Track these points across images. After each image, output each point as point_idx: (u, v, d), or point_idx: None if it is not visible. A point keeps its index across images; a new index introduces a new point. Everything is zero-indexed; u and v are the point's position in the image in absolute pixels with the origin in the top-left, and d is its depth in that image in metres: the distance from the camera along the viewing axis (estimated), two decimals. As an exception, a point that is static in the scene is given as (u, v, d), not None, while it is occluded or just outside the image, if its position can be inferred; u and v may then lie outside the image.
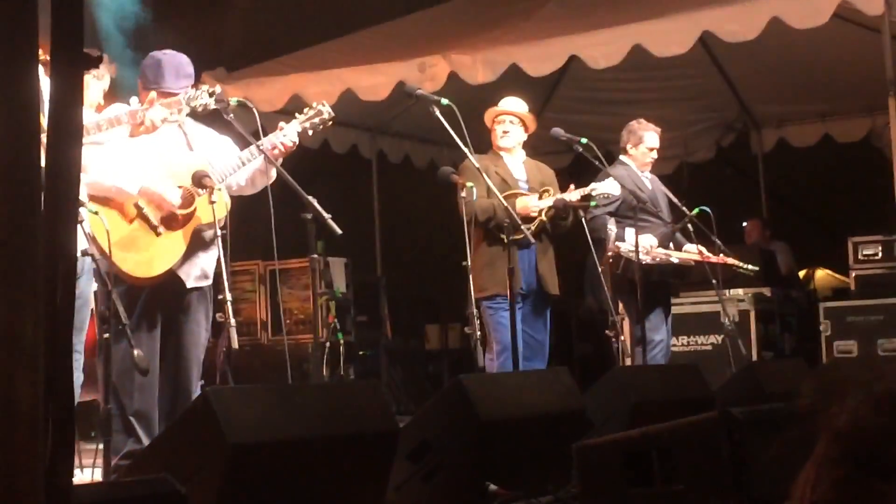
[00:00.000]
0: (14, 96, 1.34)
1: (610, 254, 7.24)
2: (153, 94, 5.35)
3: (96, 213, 5.12)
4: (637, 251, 7.19)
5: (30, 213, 1.33)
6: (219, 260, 5.42)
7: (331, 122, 5.88)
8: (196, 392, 5.45)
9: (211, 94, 5.38)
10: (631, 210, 7.45)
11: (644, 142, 7.87)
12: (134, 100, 5.34)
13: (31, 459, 1.31)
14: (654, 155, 7.93)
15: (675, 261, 7.57)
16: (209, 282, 5.58)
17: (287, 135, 5.64)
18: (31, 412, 1.28)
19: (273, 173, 5.75)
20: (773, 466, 4.04)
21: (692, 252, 7.72)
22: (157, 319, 5.40)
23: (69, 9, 1.42)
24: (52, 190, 1.40)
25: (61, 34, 1.41)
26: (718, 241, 7.74)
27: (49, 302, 1.35)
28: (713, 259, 7.73)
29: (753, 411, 4.49)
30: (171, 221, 5.40)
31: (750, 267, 8.01)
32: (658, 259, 7.45)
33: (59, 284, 1.37)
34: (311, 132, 5.81)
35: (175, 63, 5.53)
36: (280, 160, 5.67)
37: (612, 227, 7.39)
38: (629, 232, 7.36)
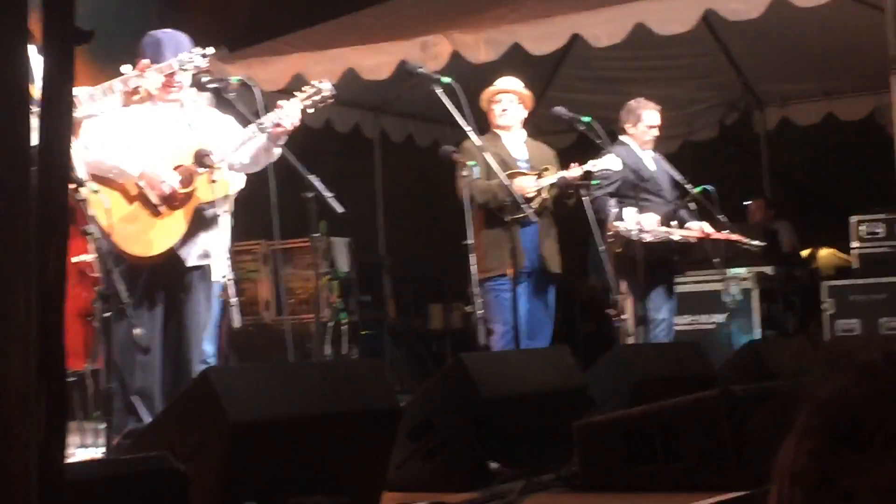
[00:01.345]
0: (2, 70, 1.34)
1: (610, 233, 7.23)
2: (146, 60, 5.32)
3: (97, 192, 5.12)
4: (635, 230, 7.19)
5: (19, 187, 1.33)
6: None
7: (331, 100, 5.85)
8: (197, 371, 5.46)
9: (203, 56, 5.36)
10: (632, 189, 7.44)
11: (643, 120, 7.85)
12: (126, 67, 5.31)
13: (23, 436, 1.31)
14: (655, 132, 7.90)
15: (677, 238, 7.54)
16: (210, 261, 5.58)
17: (288, 113, 5.61)
18: (23, 387, 1.28)
19: (277, 151, 5.74)
20: (773, 443, 4.04)
21: (694, 230, 7.71)
22: (159, 298, 5.40)
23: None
24: (43, 164, 1.40)
25: (53, 8, 1.41)
26: (725, 218, 7.72)
27: (41, 277, 1.35)
28: (716, 235, 7.71)
29: (754, 389, 4.50)
30: (171, 200, 5.40)
31: (756, 243, 8.00)
32: (658, 237, 7.43)
33: (51, 259, 1.37)
34: (311, 110, 5.79)
35: (175, 41, 5.51)
36: (283, 139, 5.67)
37: (612, 207, 7.38)
38: (628, 211, 7.34)
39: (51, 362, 1.33)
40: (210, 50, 5.44)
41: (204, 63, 5.38)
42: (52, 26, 1.39)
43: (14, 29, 1.33)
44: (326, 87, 5.78)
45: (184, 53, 5.36)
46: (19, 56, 1.34)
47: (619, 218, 7.36)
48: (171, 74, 5.44)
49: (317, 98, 5.74)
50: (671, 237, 7.50)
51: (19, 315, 1.31)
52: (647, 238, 7.31)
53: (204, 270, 5.56)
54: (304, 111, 5.71)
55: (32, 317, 1.33)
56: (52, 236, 1.38)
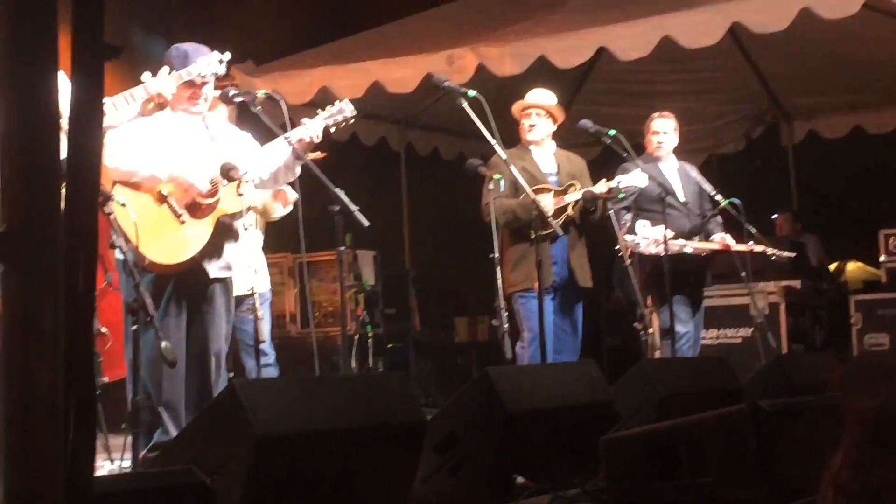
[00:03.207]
0: (33, 87, 1.34)
1: (617, 247, 7.18)
2: (165, 67, 5.36)
3: (124, 205, 5.14)
4: (643, 243, 7.16)
5: (49, 202, 1.33)
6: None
7: (353, 120, 5.88)
8: (220, 384, 5.47)
9: (221, 62, 5.39)
10: (650, 202, 7.42)
11: (649, 129, 7.85)
12: (146, 75, 5.34)
13: (50, 447, 1.31)
14: (661, 139, 7.83)
15: (689, 251, 7.49)
16: (232, 273, 5.59)
17: (310, 130, 5.65)
18: (50, 399, 1.29)
19: (297, 170, 5.77)
20: (801, 458, 4.02)
21: (714, 242, 7.65)
22: (182, 310, 5.41)
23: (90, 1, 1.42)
24: (73, 179, 1.40)
25: (82, 24, 1.41)
26: (753, 229, 7.67)
27: (70, 291, 1.35)
28: (738, 247, 7.65)
29: (782, 403, 4.47)
30: (194, 210, 5.41)
31: (786, 254, 7.93)
32: (670, 250, 7.33)
33: (81, 273, 1.38)
34: (333, 129, 5.81)
35: (201, 53, 5.54)
36: (306, 155, 5.69)
37: (626, 219, 7.36)
38: (640, 224, 7.32)
39: (79, 376, 1.33)
40: (227, 55, 5.46)
41: (222, 69, 5.40)
42: (81, 42, 1.40)
43: (45, 50, 1.34)
44: (348, 108, 5.81)
45: (202, 58, 5.39)
46: (49, 71, 1.35)
47: (631, 231, 7.34)
48: (198, 86, 5.46)
49: (338, 118, 5.77)
50: (684, 250, 7.43)
51: (48, 329, 1.31)
52: (655, 251, 7.26)
53: (226, 283, 5.57)
54: (326, 129, 5.74)
55: (61, 331, 1.34)
56: (82, 251, 1.39)
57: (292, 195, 6.66)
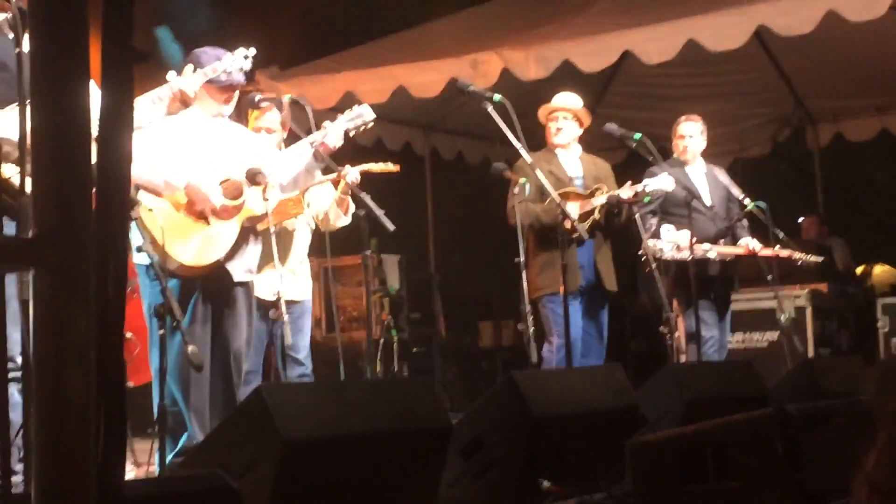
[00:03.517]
0: (65, 95, 1.35)
1: (641, 251, 7.17)
2: (190, 66, 5.36)
3: (151, 209, 5.16)
4: (666, 248, 7.15)
5: (80, 208, 1.34)
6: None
7: (371, 124, 5.90)
8: (242, 388, 5.48)
9: (245, 58, 5.39)
10: (675, 206, 7.41)
11: (676, 133, 7.83)
12: (172, 74, 5.35)
13: (83, 455, 1.31)
14: (687, 143, 7.80)
15: (713, 256, 7.47)
16: (253, 277, 5.60)
17: (330, 134, 5.67)
18: (82, 407, 1.29)
19: (317, 174, 5.79)
20: (827, 463, 4.00)
21: (739, 247, 7.62)
22: (209, 314, 5.42)
23: (120, 5, 1.43)
24: (103, 185, 1.41)
25: (112, 29, 1.42)
26: (781, 233, 7.63)
27: (100, 298, 1.36)
28: (763, 252, 7.61)
29: (809, 408, 4.46)
30: (219, 212, 5.42)
31: (812, 258, 7.89)
32: (692, 255, 7.31)
33: (110, 279, 1.38)
34: (352, 133, 5.83)
35: (220, 54, 5.54)
36: (326, 160, 5.71)
37: (651, 224, 7.35)
38: (665, 228, 7.31)
39: (110, 383, 1.33)
40: (252, 50, 5.43)
41: (247, 64, 5.39)
42: (111, 46, 1.41)
43: (76, 58, 1.35)
44: (367, 112, 5.84)
45: (226, 56, 5.38)
46: (80, 82, 1.35)
47: (656, 235, 7.32)
48: (231, 88, 5.48)
49: (358, 122, 5.79)
50: (707, 255, 7.41)
51: (78, 336, 1.32)
52: (679, 255, 7.26)
53: (247, 286, 5.58)
54: (346, 134, 5.76)
55: (91, 337, 1.34)
56: (112, 256, 1.40)
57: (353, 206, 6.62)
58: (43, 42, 1.38)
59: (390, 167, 6.43)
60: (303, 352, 6.36)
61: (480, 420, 4.72)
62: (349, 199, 6.39)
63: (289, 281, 6.13)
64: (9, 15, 3.77)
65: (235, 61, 5.38)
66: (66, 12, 1.38)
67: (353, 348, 8.76)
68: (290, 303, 5.94)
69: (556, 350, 7.07)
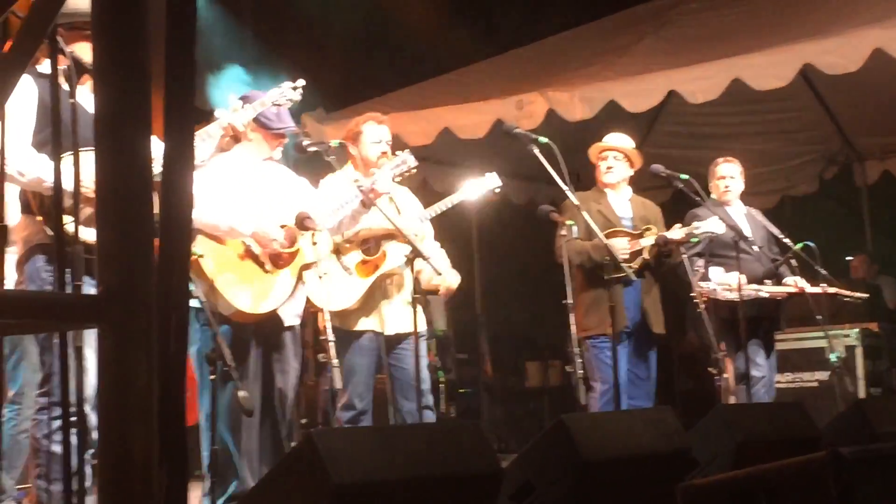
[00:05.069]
0: (129, 150, 1.37)
1: (693, 294, 7.13)
2: (237, 99, 5.37)
3: (202, 256, 5.19)
4: (718, 290, 7.12)
5: (143, 263, 1.36)
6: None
7: (415, 170, 6.05)
8: (288, 432, 5.50)
9: (294, 89, 5.39)
10: (723, 247, 7.39)
11: (715, 175, 7.82)
12: (220, 110, 5.34)
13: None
14: (728, 183, 7.80)
15: (765, 295, 7.43)
16: (300, 321, 5.63)
17: (378, 181, 5.77)
18: (145, 466, 1.30)
19: (361, 219, 5.85)
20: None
21: (788, 286, 7.58)
22: (259, 359, 5.45)
23: (183, 60, 1.45)
24: (164, 239, 1.43)
25: (174, 89, 1.44)
26: (824, 272, 7.58)
27: (162, 354, 1.37)
28: (812, 290, 7.56)
29: (863, 451, 4.40)
30: (276, 259, 5.46)
31: (858, 294, 7.84)
32: (746, 296, 7.29)
33: (172, 335, 1.39)
34: (398, 179, 5.96)
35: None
36: (373, 206, 5.78)
37: (698, 265, 7.32)
38: (714, 270, 7.28)
39: (172, 439, 1.34)
40: (301, 82, 5.41)
41: (296, 95, 5.39)
42: (173, 107, 1.43)
43: (139, 113, 1.37)
44: (410, 159, 5.99)
45: (274, 89, 5.39)
46: (143, 137, 1.37)
47: (705, 277, 7.30)
48: (280, 136, 5.53)
49: (402, 168, 5.95)
50: (760, 294, 7.38)
51: (141, 393, 1.33)
52: (731, 296, 7.23)
53: (295, 330, 5.60)
54: (392, 180, 5.88)
55: (154, 391, 1.35)
56: (174, 310, 1.41)
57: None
58: (107, 97, 1.40)
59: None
60: (424, 382, 6.21)
61: (530, 464, 4.70)
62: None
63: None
64: (66, 66, 3.82)
65: (284, 93, 5.36)
66: (131, 68, 1.40)
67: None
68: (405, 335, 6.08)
69: (599, 396, 7.03)
